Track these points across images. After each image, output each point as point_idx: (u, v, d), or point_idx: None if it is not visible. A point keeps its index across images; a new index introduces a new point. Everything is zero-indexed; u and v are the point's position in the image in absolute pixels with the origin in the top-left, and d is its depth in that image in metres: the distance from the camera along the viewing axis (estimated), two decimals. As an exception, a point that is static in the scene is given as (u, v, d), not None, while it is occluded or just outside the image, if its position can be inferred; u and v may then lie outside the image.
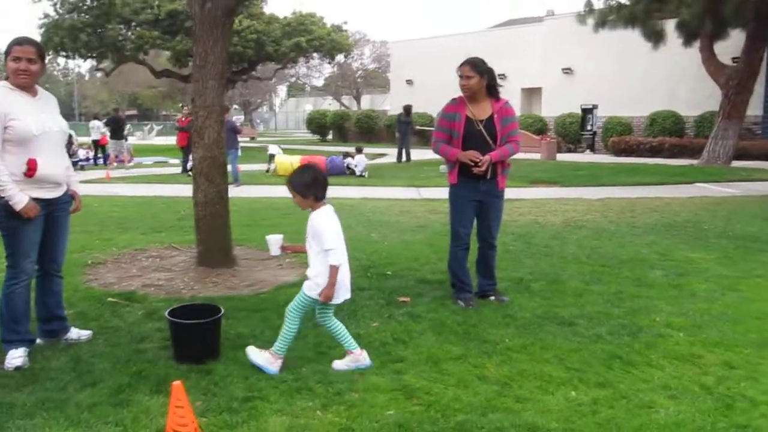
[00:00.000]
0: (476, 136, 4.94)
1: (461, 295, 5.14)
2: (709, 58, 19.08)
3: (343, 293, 3.78)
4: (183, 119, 18.45)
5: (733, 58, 19.81)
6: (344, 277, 3.78)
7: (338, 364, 3.78)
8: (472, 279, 5.26)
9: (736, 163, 18.59)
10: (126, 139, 22.02)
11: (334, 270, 3.63)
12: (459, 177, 5.04)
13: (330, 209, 3.79)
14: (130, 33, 27.63)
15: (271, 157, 18.96)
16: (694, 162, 19.35)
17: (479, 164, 4.86)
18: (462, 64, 4.99)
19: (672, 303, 5.15)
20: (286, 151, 21.73)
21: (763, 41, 18.35)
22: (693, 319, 4.71)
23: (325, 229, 3.66)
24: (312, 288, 3.71)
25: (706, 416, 3.18)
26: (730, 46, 19.76)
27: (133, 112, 66.18)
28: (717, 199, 12.21)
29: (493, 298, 5.19)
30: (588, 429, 3.03)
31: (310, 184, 3.72)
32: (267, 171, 17.65)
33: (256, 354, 3.76)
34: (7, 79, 3.85)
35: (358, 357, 3.78)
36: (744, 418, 3.15)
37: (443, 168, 17.02)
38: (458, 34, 32.09)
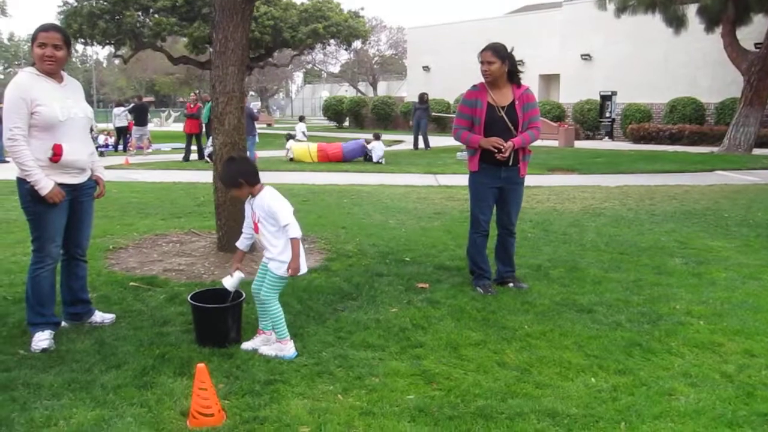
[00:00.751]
0: (498, 122, 4.93)
1: (480, 281, 5.15)
2: (731, 44, 18.80)
3: (303, 266, 3.86)
4: (192, 106, 18.42)
5: (756, 44, 19.52)
6: (302, 251, 3.86)
7: (265, 350, 3.81)
8: (491, 266, 5.27)
9: (757, 151, 18.37)
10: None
11: (296, 242, 3.72)
12: (480, 164, 5.03)
13: (270, 188, 3.85)
14: (147, 20, 27.69)
15: (290, 137, 19.04)
16: (715, 149, 19.14)
17: (502, 150, 4.85)
18: (483, 50, 4.97)
19: (692, 291, 5.12)
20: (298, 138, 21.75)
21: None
22: (713, 308, 4.69)
23: (277, 207, 3.73)
24: (278, 267, 3.77)
25: (726, 404, 3.17)
26: (753, 31, 19.47)
27: (151, 98, 66.51)
28: (738, 187, 12.08)
29: (512, 284, 5.19)
30: (608, 415, 3.04)
31: (236, 174, 3.78)
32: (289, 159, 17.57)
33: (267, 349, 3.81)
34: (33, 65, 3.90)
35: (281, 343, 3.81)
36: (765, 406, 3.14)
37: (460, 154, 16.97)
38: (476, 20, 31.85)
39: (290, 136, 19.63)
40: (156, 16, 27.24)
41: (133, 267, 5.80)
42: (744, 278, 5.53)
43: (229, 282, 3.90)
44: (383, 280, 5.34)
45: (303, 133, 22.92)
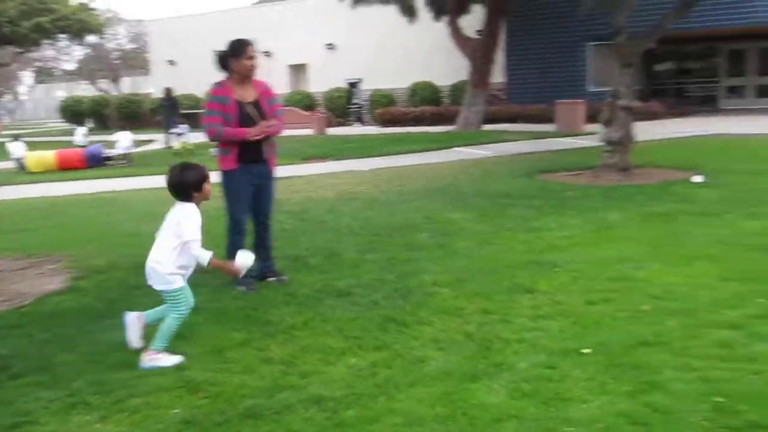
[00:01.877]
0: (248, 118, 4.96)
1: (241, 280, 5.12)
2: (456, 32, 20.70)
3: None
4: None
5: (478, 31, 21.67)
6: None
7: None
8: (250, 262, 5.27)
9: (487, 127, 20.50)
10: None
11: None
12: (236, 162, 5.00)
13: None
14: None
15: (16, 138, 17.25)
16: (452, 128, 20.98)
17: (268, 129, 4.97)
18: (249, 45, 4.96)
19: (438, 262, 5.60)
20: (35, 145, 19.78)
21: (501, 15, 20.36)
22: (456, 275, 5.17)
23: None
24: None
25: (470, 361, 3.55)
26: (475, 19, 21.58)
27: None
28: (473, 161, 13.41)
29: (272, 278, 5.25)
30: (368, 391, 3.23)
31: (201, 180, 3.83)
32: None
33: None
34: None
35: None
36: (500, 357, 3.57)
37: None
38: (222, 11, 31.28)
39: (16, 138, 17.68)
40: None
41: None
42: (481, 245, 6.17)
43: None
44: (139, 293, 5.05)
45: (83, 135, 20.93)
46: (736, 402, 2.97)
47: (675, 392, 3.09)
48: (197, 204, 3.83)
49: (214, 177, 5.28)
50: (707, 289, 4.56)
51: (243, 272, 3.92)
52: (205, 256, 3.76)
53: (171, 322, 3.76)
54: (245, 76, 5.02)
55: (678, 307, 4.21)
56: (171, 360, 3.71)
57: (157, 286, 3.77)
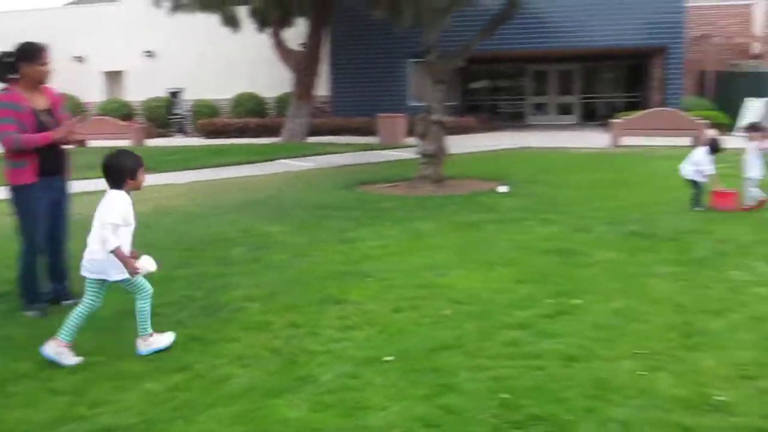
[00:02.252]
0: (45, 127, 4.62)
1: (34, 305, 4.72)
2: (279, 44, 20.65)
3: None
4: None
5: (301, 44, 21.77)
6: None
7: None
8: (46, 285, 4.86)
9: (311, 139, 20.61)
10: None
11: None
12: (36, 175, 4.59)
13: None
14: None
15: None
16: (276, 140, 20.87)
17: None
18: (44, 49, 4.63)
19: (251, 277, 5.50)
20: None
21: (324, 28, 20.62)
22: (269, 289, 5.11)
23: None
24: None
25: (274, 376, 3.51)
26: (299, 32, 21.65)
27: None
28: (296, 173, 13.41)
29: (69, 301, 4.83)
30: (165, 416, 3.09)
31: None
32: None
33: None
34: None
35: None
36: (305, 370, 3.57)
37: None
38: (24, 11, 28.65)
39: None
40: None
41: None
42: (297, 257, 6.16)
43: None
44: None
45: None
46: (520, 397, 3.19)
47: (467, 392, 3.27)
48: (127, 192, 3.86)
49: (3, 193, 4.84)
50: (504, 292, 4.89)
51: (142, 273, 3.80)
52: (112, 243, 3.66)
53: (141, 305, 3.81)
54: (38, 83, 4.67)
55: (476, 311, 4.47)
56: (167, 339, 3.86)
57: (114, 277, 3.75)
